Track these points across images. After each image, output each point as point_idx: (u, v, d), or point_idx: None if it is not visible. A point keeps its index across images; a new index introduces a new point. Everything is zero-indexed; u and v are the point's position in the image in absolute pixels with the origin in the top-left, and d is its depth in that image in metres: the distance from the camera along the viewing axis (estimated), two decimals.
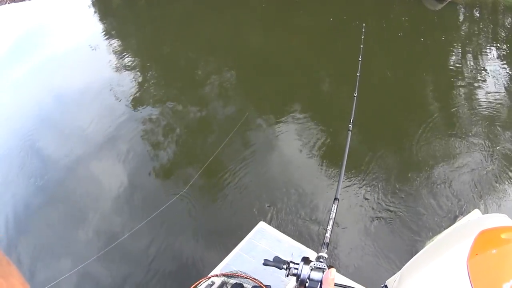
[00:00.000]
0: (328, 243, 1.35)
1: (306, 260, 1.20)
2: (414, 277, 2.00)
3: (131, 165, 4.44)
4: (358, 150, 4.14)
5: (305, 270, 1.16)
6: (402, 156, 4.10)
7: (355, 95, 1.81)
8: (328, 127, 4.59)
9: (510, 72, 5.26)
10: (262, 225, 2.63)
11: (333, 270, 1.11)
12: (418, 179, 3.79)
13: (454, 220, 3.33)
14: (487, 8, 6.94)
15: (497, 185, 3.66)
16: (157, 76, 6.02)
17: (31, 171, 4.63)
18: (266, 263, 1.32)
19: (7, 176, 4.64)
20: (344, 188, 3.72)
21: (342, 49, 5.96)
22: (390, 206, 3.56)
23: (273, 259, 1.31)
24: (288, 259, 1.26)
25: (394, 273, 2.16)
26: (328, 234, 1.39)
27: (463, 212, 3.40)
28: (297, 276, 1.16)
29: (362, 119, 4.21)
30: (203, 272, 3.09)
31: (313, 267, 1.15)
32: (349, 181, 3.82)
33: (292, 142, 4.42)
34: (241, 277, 2.16)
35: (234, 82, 5.67)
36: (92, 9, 8.27)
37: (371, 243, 3.30)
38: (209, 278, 2.12)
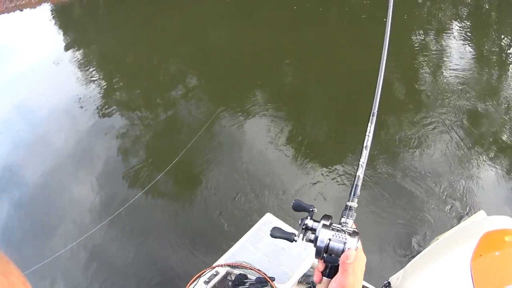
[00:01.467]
0: (359, 185, 1.01)
1: (326, 220, 0.94)
2: (418, 276, 2.00)
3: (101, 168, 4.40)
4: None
5: (324, 235, 0.90)
6: (407, 154, 4.01)
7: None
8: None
9: None
10: (268, 217, 2.58)
11: (351, 252, 0.85)
12: (422, 177, 3.73)
13: (459, 220, 3.33)
14: None
15: (504, 186, 3.58)
16: (122, 82, 5.96)
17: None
18: (273, 234, 1.04)
19: None
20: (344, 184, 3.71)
21: (308, 37, 5.91)
22: (394, 205, 3.50)
23: (281, 231, 1.05)
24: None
25: (397, 270, 2.17)
26: (360, 172, 1.04)
27: (468, 213, 3.37)
28: (314, 242, 0.92)
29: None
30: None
31: (332, 236, 0.89)
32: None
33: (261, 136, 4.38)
34: (246, 268, 2.14)
35: (200, 81, 5.60)
36: (52, 22, 8.17)
37: (375, 240, 3.25)
38: (214, 268, 2.09)
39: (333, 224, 0.92)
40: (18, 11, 9.08)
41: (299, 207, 1.05)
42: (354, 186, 1.01)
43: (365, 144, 1.09)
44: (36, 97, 5.90)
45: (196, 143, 4.25)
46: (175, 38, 6.68)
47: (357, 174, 1.03)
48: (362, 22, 6.16)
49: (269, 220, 2.54)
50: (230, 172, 3.99)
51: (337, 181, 3.70)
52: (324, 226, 0.91)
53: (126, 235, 3.68)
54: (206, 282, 1.99)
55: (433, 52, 5.34)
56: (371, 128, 1.13)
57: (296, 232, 0.98)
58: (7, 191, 4.55)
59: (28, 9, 9.06)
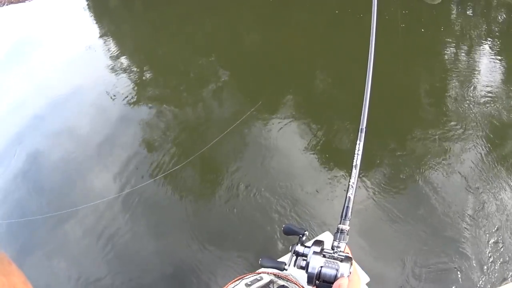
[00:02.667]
0: (350, 207, 0.98)
1: (317, 246, 0.91)
2: None
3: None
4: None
5: (315, 262, 0.87)
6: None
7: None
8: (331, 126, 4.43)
9: None
10: (327, 235, 2.46)
11: (344, 280, 0.82)
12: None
13: None
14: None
15: None
16: (153, 77, 5.87)
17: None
18: (262, 264, 1.01)
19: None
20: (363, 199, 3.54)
21: (346, 43, 5.78)
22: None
23: (271, 261, 1.00)
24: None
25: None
26: (350, 193, 0.99)
27: None
28: (305, 269, 0.89)
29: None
30: None
31: (324, 262, 0.86)
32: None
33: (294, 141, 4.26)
34: (290, 281, 1.96)
35: (232, 82, 5.49)
36: (88, 11, 8.16)
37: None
38: (259, 273, 1.95)
39: (325, 250, 0.91)
40: None
41: (290, 231, 1.03)
42: (345, 208, 0.99)
43: (354, 163, 1.05)
44: (67, 85, 5.84)
45: (224, 139, 4.24)
46: (210, 37, 6.62)
47: (347, 196, 1.00)
48: (400, 32, 6.04)
49: (327, 238, 2.39)
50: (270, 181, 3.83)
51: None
52: (315, 252, 0.90)
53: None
54: (248, 285, 1.87)
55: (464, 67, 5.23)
56: (359, 145, 1.09)
57: (286, 261, 0.96)
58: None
59: None
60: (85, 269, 3.44)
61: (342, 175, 3.76)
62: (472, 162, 3.81)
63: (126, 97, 5.34)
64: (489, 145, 4.00)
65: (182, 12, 7.33)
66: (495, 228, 3.22)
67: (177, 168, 4.09)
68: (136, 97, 5.35)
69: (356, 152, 1.07)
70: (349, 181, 1.04)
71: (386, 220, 3.33)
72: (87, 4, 8.37)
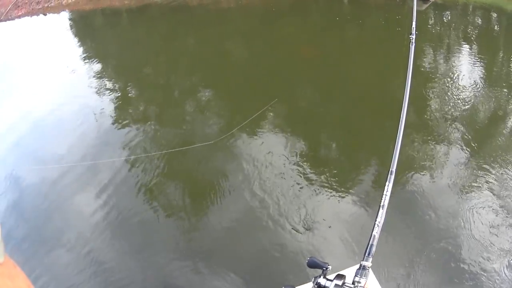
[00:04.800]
0: (374, 245, 1.00)
1: (339, 280, 0.95)
2: None
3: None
4: None
5: None
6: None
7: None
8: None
9: None
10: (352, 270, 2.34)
11: None
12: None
13: None
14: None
15: None
16: (137, 97, 5.82)
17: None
18: None
19: None
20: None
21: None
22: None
23: None
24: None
25: None
26: (375, 232, 1.00)
27: None
28: None
29: None
30: None
31: None
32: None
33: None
34: None
35: (216, 100, 5.46)
36: (72, 31, 8.12)
37: None
38: None
39: (346, 283, 0.93)
40: (41, 15, 8.97)
41: (313, 264, 1.05)
42: (369, 245, 1.01)
43: (381, 203, 1.06)
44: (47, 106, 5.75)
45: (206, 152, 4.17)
46: (194, 52, 6.61)
47: (372, 234, 1.01)
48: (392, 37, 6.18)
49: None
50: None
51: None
52: (337, 286, 0.93)
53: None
54: None
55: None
56: (389, 187, 1.11)
57: None
58: None
59: (51, 13, 8.93)
60: None
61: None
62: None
63: (110, 118, 5.27)
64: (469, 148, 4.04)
65: (167, 30, 7.35)
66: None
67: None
68: (120, 117, 5.27)
69: (384, 192, 1.08)
70: (375, 220, 1.04)
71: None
72: (70, 25, 8.33)
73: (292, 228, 3.40)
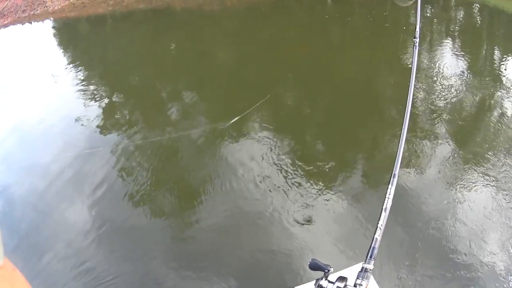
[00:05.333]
0: (376, 247, 1.01)
1: (341, 282, 0.95)
2: None
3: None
4: None
5: None
6: None
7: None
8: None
9: None
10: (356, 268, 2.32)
11: None
12: None
13: None
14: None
15: None
16: (124, 102, 5.79)
17: None
18: None
19: None
20: None
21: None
22: None
23: None
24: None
25: None
26: (377, 235, 1.02)
27: None
28: None
29: None
30: None
31: None
32: None
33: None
34: None
35: (200, 101, 5.43)
36: (56, 38, 8.07)
37: None
38: None
39: (347, 286, 0.94)
40: (27, 23, 8.86)
41: (315, 266, 1.06)
42: (371, 248, 1.00)
43: (384, 206, 1.06)
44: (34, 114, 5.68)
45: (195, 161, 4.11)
46: (180, 55, 6.60)
47: (374, 237, 1.02)
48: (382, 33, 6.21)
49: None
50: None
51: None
52: None
53: None
54: None
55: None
56: (391, 190, 1.11)
57: None
58: None
59: (37, 22, 8.82)
60: None
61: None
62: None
63: (95, 125, 5.22)
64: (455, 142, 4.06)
65: (152, 35, 7.28)
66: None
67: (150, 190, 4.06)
68: (106, 124, 5.24)
69: (387, 196, 1.08)
70: (378, 223, 1.05)
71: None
72: (55, 33, 8.28)
73: (285, 227, 3.39)
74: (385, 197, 1.08)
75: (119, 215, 3.91)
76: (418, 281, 2.85)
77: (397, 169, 1.11)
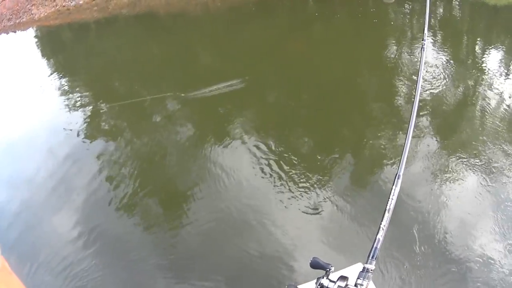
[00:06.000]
0: (378, 248, 1.01)
1: (342, 281, 0.96)
2: None
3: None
4: None
5: None
6: None
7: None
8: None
9: None
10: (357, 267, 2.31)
11: None
12: None
13: None
14: None
15: None
16: (108, 111, 5.73)
17: None
18: None
19: None
20: None
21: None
22: None
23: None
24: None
25: None
26: (380, 235, 1.01)
27: None
28: None
29: None
30: None
31: None
32: None
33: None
34: None
35: (182, 106, 5.42)
36: (43, 46, 8.01)
37: None
38: None
39: (348, 285, 0.94)
40: (12, 32, 8.82)
41: (316, 265, 1.06)
42: (373, 248, 1.00)
43: (387, 207, 1.06)
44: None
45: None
46: (163, 62, 6.50)
47: (377, 237, 1.01)
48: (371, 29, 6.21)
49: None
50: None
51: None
52: (340, 287, 0.94)
53: None
54: None
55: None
56: (395, 191, 1.10)
57: None
58: None
59: (22, 30, 8.76)
60: None
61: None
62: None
63: (80, 133, 5.22)
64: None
65: (135, 41, 7.26)
66: None
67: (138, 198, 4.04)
68: (91, 132, 5.23)
69: (390, 196, 1.08)
70: (381, 224, 1.04)
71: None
72: (39, 42, 8.23)
73: (272, 230, 3.38)
74: (389, 198, 1.08)
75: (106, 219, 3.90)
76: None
77: (401, 170, 1.10)
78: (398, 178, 1.09)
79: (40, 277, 3.53)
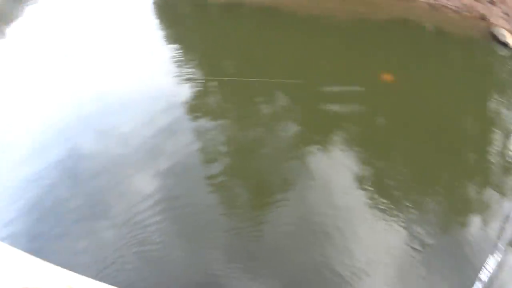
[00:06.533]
0: None
1: None
2: None
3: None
4: None
5: None
6: None
7: None
8: None
9: None
10: None
11: None
12: None
13: None
14: None
15: None
16: (214, 90, 5.59)
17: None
18: None
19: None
20: None
21: None
22: None
23: None
24: None
25: None
26: None
27: None
28: None
29: None
30: None
31: None
32: None
33: None
34: None
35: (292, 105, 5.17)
36: (159, 15, 8.00)
37: None
38: None
39: None
40: None
41: None
42: None
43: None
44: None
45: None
46: (280, 58, 6.18)
47: None
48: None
49: None
50: None
51: None
52: None
53: None
54: None
55: None
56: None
57: None
58: None
59: None
60: None
61: None
62: None
63: (183, 105, 5.17)
64: None
65: (253, 30, 7.03)
66: None
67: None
68: (195, 106, 5.19)
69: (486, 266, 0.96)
70: None
71: None
72: (155, 10, 8.25)
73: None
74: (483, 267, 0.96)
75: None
76: None
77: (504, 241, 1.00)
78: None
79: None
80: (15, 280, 2.13)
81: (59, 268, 2.35)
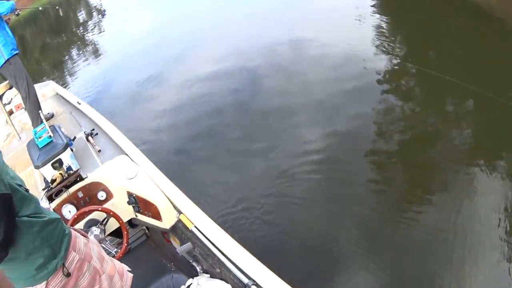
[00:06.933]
0: None
1: None
2: None
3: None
4: None
5: None
6: None
7: None
8: None
9: None
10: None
11: None
12: None
13: None
14: None
15: None
16: (409, 78, 5.13)
17: None
18: None
19: None
20: None
21: None
22: None
23: None
24: None
25: None
26: None
27: None
28: None
29: None
30: None
31: None
32: None
33: None
34: None
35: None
36: None
37: None
38: None
39: None
40: None
41: None
42: None
43: None
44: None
45: None
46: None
47: None
48: None
49: None
50: None
51: None
52: None
53: None
54: None
55: None
56: None
57: None
58: None
59: None
60: None
61: None
62: None
63: (375, 78, 4.96)
64: None
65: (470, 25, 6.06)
66: None
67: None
68: (387, 81, 4.95)
69: None
70: None
71: None
72: None
73: None
74: None
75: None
76: None
77: None
78: None
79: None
80: None
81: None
